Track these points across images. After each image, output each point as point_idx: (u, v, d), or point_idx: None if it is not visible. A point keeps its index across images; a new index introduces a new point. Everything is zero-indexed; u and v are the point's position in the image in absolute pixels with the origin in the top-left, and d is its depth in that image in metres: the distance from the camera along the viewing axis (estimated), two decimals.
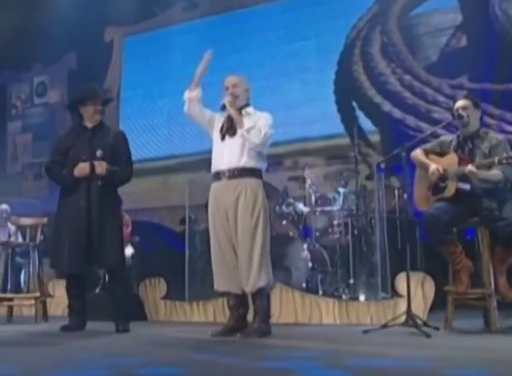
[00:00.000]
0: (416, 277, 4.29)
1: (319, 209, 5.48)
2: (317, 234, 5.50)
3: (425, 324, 3.68)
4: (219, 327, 3.76)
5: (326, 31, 7.80)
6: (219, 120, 3.91)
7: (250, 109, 3.87)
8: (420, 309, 4.16)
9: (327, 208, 5.50)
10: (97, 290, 5.78)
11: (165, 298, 5.20)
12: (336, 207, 5.46)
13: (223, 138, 3.82)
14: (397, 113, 7.26)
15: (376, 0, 7.70)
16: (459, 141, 3.97)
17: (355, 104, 7.56)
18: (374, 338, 3.42)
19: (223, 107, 3.79)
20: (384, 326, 3.68)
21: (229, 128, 3.82)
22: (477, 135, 3.90)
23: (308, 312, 4.61)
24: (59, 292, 5.63)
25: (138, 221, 7.26)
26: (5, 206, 7.09)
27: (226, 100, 3.77)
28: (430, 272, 4.50)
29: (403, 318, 3.66)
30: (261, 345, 3.23)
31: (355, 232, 5.35)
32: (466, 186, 3.76)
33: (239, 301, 3.76)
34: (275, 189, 5.48)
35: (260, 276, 3.58)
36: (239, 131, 3.71)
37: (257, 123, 3.71)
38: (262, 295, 3.65)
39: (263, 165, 3.85)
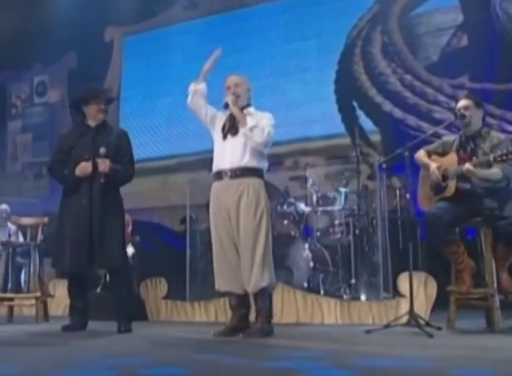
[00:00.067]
0: (419, 277, 4.28)
1: (320, 209, 5.47)
2: (318, 234, 5.49)
3: (427, 324, 3.67)
4: (221, 327, 3.75)
5: (326, 31, 7.81)
6: (221, 119, 3.89)
7: (251, 109, 3.87)
8: (422, 309, 4.15)
9: (328, 208, 5.49)
10: (98, 289, 5.77)
11: (166, 297, 5.18)
12: (337, 207, 5.45)
13: (225, 137, 3.81)
14: (398, 112, 7.26)
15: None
16: (462, 141, 3.97)
17: (355, 104, 7.55)
18: (377, 338, 3.41)
19: (226, 105, 3.78)
20: (387, 326, 3.68)
21: (231, 128, 3.81)
22: (479, 134, 3.90)
23: (310, 312, 4.60)
24: (59, 292, 5.62)
25: (138, 221, 7.25)
26: (4, 206, 7.08)
27: (229, 99, 3.76)
28: (432, 272, 4.48)
29: (405, 318, 3.65)
30: (264, 345, 3.22)
31: (357, 232, 5.34)
32: (467, 186, 3.76)
33: (241, 301, 3.75)
34: (276, 188, 5.47)
35: (262, 276, 3.57)
36: (242, 130, 3.70)
37: (260, 122, 3.70)
38: (264, 295, 3.65)
39: (265, 165, 3.84)
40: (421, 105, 7.12)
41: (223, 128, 3.84)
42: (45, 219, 5.20)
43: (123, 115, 9.11)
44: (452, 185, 3.80)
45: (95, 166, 3.93)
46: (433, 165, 3.91)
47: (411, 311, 3.62)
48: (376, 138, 7.32)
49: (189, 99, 3.89)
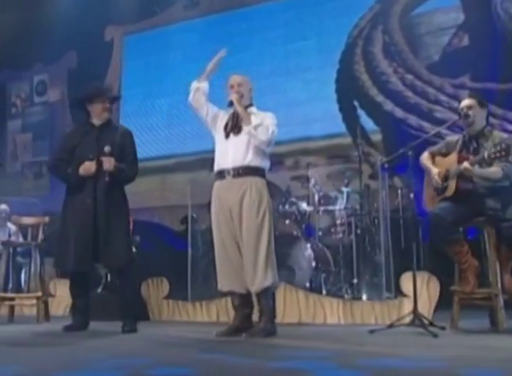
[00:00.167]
0: (422, 277, 4.27)
1: (322, 208, 5.46)
2: (320, 234, 5.48)
3: (431, 324, 3.67)
4: (224, 327, 3.74)
5: (327, 30, 7.80)
6: (223, 118, 3.89)
7: (253, 109, 3.86)
8: (425, 308, 4.14)
9: (330, 208, 5.48)
10: (99, 289, 5.75)
11: (167, 297, 5.17)
12: (339, 207, 5.44)
13: (227, 136, 3.80)
14: (399, 112, 7.25)
15: None
16: (465, 141, 3.97)
17: (356, 103, 7.54)
18: (381, 338, 3.40)
19: (230, 103, 3.77)
20: (390, 326, 3.67)
21: (234, 126, 3.80)
22: (482, 133, 3.89)
23: (312, 312, 4.59)
24: (60, 292, 5.61)
25: (138, 220, 7.22)
26: (4, 206, 7.06)
27: (234, 97, 3.75)
28: (433, 272, 4.48)
29: (409, 318, 3.64)
30: (268, 345, 3.21)
31: (358, 231, 5.33)
32: (468, 185, 3.75)
33: (243, 301, 3.74)
34: (278, 188, 5.46)
35: (266, 276, 3.56)
36: (246, 129, 3.68)
37: (264, 121, 3.69)
38: (268, 295, 3.64)
39: (267, 164, 3.84)
40: (422, 104, 7.12)
41: (225, 127, 3.83)
42: (46, 219, 5.18)
43: (123, 114, 9.08)
44: (452, 185, 3.80)
45: (99, 165, 3.91)
46: (434, 171, 3.92)
47: (415, 311, 3.61)
48: (377, 137, 7.31)
49: (191, 96, 3.88)
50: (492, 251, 3.74)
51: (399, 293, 4.47)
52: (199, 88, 3.85)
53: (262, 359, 2.59)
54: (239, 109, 3.74)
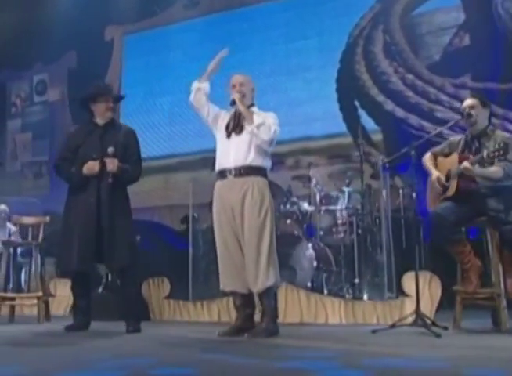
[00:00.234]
0: (423, 277, 4.27)
1: (323, 208, 5.45)
2: (321, 233, 5.47)
3: (434, 324, 3.66)
4: (226, 327, 3.73)
5: (328, 30, 7.79)
6: (224, 118, 3.88)
7: (255, 108, 3.85)
8: (427, 308, 4.13)
9: (331, 207, 5.47)
10: (100, 289, 5.73)
11: (168, 297, 5.16)
12: (340, 207, 5.43)
13: (229, 135, 3.79)
14: (399, 112, 7.25)
15: None
16: (467, 140, 3.96)
17: (357, 103, 7.53)
18: (384, 338, 3.39)
19: (233, 102, 3.76)
20: (393, 326, 3.66)
21: (236, 126, 3.79)
22: (485, 133, 3.89)
23: (314, 312, 4.58)
24: (60, 291, 5.60)
25: (139, 220, 7.20)
26: (3, 206, 7.05)
27: (236, 96, 3.74)
28: (434, 272, 4.47)
29: (411, 318, 3.64)
30: (272, 345, 3.20)
31: (359, 231, 5.32)
32: (470, 185, 3.74)
33: (245, 301, 3.73)
34: (279, 187, 5.46)
35: (268, 276, 3.55)
36: (249, 128, 3.68)
37: (266, 120, 3.69)
38: (270, 295, 3.63)
39: (268, 164, 3.83)
40: (423, 104, 7.12)
41: (227, 127, 3.82)
42: (47, 218, 5.18)
43: (123, 114, 9.06)
44: (453, 184, 3.80)
45: (103, 165, 3.90)
46: (434, 174, 3.91)
47: (417, 311, 3.60)
48: (377, 137, 7.30)
49: (192, 96, 3.87)
50: (495, 251, 3.73)
51: (400, 293, 4.46)
52: (200, 88, 3.85)
53: (266, 360, 2.58)
54: (242, 108, 3.73)
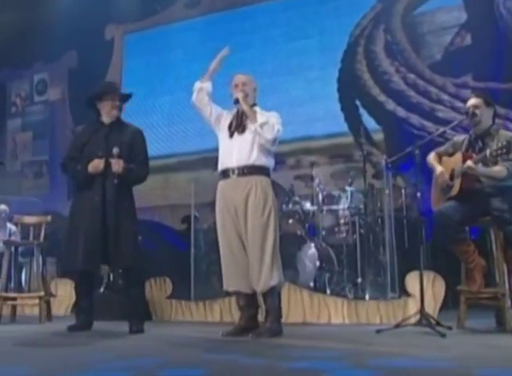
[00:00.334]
0: (427, 276, 4.25)
1: (325, 208, 5.44)
2: (324, 233, 5.46)
3: (438, 324, 3.65)
4: (230, 327, 3.72)
5: (329, 29, 7.78)
6: (226, 117, 3.87)
7: (257, 108, 3.85)
8: (431, 308, 4.13)
9: (334, 207, 5.46)
10: (101, 289, 5.72)
11: (170, 297, 5.15)
12: (343, 206, 5.42)
13: (231, 135, 3.78)
14: (401, 111, 7.24)
15: None
16: (471, 140, 3.96)
17: (358, 103, 7.52)
18: (389, 338, 3.38)
19: (236, 101, 3.75)
20: (397, 325, 3.65)
21: (239, 125, 3.78)
22: (489, 133, 3.88)
23: (317, 312, 4.57)
24: (61, 291, 5.59)
25: (139, 220, 7.20)
26: (3, 206, 7.04)
27: (239, 95, 3.74)
28: (438, 272, 4.47)
29: (416, 317, 3.63)
30: (276, 345, 3.19)
31: (362, 231, 5.32)
32: (473, 184, 3.74)
33: (249, 301, 3.72)
34: (281, 187, 5.44)
35: (271, 275, 3.54)
36: (253, 127, 3.67)
37: (270, 119, 3.68)
38: (273, 294, 3.62)
39: (271, 163, 3.82)
40: (424, 104, 7.11)
41: (230, 126, 3.81)
42: (48, 218, 5.17)
43: (124, 113, 9.03)
44: (457, 184, 3.79)
45: (107, 164, 3.88)
46: (438, 169, 3.91)
47: (422, 310, 3.59)
48: (379, 137, 7.29)
49: (194, 96, 3.87)
50: (499, 250, 3.72)
51: (403, 293, 4.46)
52: (202, 88, 3.84)
53: (273, 360, 2.57)
54: (245, 107, 3.72)
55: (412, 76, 7.27)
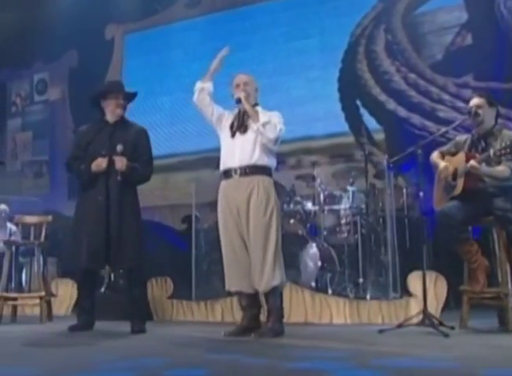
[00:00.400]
0: (429, 276, 4.24)
1: (327, 208, 5.43)
2: (325, 233, 5.45)
3: (441, 324, 3.64)
4: (232, 327, 3.72)
5: (329, 29, 7.76)
6: (228, 117, 3.87)
7: (259, 108, 3.84)
8: (433, 308, 4.12)
9: (335, 207, 5.45)
10: (102, 289, 5.71)
11: (171, 297, 5.14)
12: (344, 206, 5.42)
13: (233, 135, 3.78)
14: (401, 111, 7.23)
15: None
16: (473, 140, 3.95)
17: (359, 102, 7.51)
18: (392, 338, 3.37)
19: (238, 101, 3.74)
20: (400, 325, 3.64)
21: (241, 125, 3.78)
22: (491, 133, 3.88)
23: (319, 312, 4.57)
24: (62, 291, 5.58)
25: None
26: (3, 206, 7.03)
27: (241, 95, 3.73)
28: (440, 271, 4.46)
29: (418, 317, 3.62)
30: (279, 345, 3.19)
31: (363, 231, 5.31)
32: (476, 184, 3.73)
33: (251, 301, 3.72)
34: (282, 187, 5.43)
35: (274, 275, 3.54)
36: (255, 126, 3.67)
37: (272, 119, 3.68)
38: (276, 294, 3.62)
39: (273, 163, 3.82)
40: (425, 104, 7.10)
41: (231, 126, 3.81)
42: (49, 218, 5.16)
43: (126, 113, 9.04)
44: (460, 183, 3.78)
45: (111, 162, 3.87)
46: (442, 164, 3.90)
47: (425, 310, 3.58)
48: (379, 137, 7.27)
49: (195, 96, 3.86)
50: (502, 250, 3.72)
51: (405, 292, 4.45)
52: (203, 88, 3.84)
53: (276, 360, 2.57)
54: (247, 106, 3.72)
55: (413, 76, 7.26)
